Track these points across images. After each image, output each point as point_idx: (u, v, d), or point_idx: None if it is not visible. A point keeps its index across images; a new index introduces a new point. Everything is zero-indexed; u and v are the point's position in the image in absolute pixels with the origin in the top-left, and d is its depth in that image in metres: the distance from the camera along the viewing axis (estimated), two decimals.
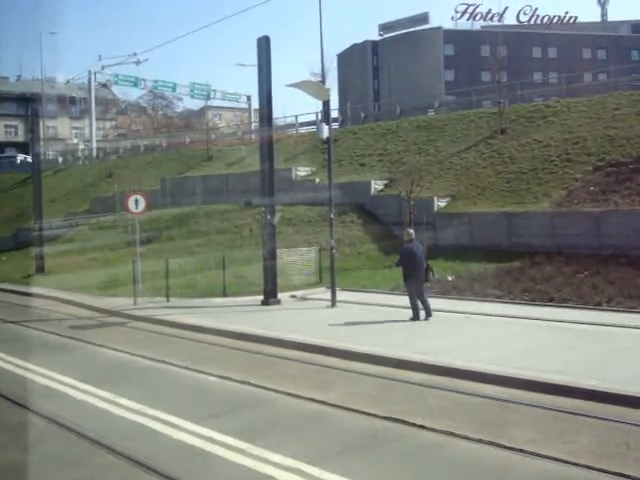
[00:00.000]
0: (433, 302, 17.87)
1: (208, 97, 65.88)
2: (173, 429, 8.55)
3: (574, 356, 11.68)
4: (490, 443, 7.71)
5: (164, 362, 12.63)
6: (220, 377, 11.29)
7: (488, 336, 14.01)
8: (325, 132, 19.41)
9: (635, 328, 14.06)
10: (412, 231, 17.06)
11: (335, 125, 44.00)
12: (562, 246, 24.19)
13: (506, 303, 18.61)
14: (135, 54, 53.71)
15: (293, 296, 21.27)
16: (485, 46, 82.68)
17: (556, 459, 7.14)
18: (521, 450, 7.42)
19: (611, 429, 8.25)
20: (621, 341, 12.99)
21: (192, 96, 66.72)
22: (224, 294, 21.52)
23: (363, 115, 47.81)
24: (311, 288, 22.78)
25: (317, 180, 33.80)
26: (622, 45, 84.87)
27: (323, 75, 40.16)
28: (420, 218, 27.29)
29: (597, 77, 67.21)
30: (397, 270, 17.54)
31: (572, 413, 8.87)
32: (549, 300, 18.84)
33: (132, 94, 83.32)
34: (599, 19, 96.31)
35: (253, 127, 61.30)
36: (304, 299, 20.88)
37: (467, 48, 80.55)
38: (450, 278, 22.57)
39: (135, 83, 63.65)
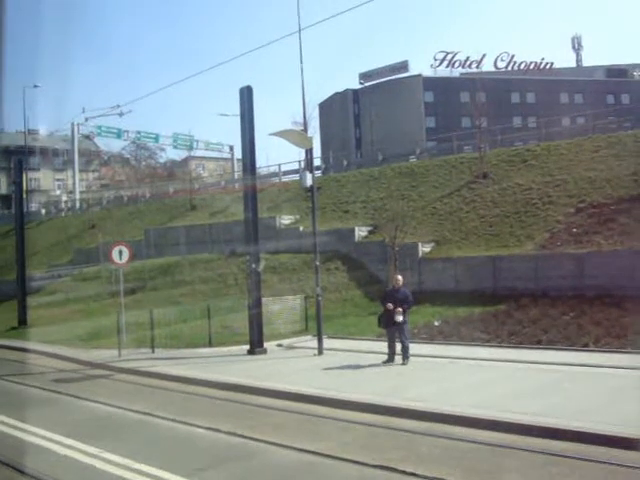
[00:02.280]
0: (420, 348, 18.00)
1: (191, 147, 66.27)
2: None
3: (561, 398, 11.65)
4: None
5: (150, 415, 12.43)
6: (207, 429, 11.10)
7: (475, 380, 13.94)
8: (308, 180, 19.53)
9: (622, 368, 14.06)
10: (400, 277, 17.09)
11: (318, 173, 44.33)
12: (547, 288, 24.26)
13: (493, 347, 18.66)
14: (118, 106, 53.98)
15: (280, 345, 21.14)
16: (464, 92, 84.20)
17: None
18: None
19: (600, 470, 8.21)
20: (609, 381, 12.96)
21: (175, 147, 67.23)
22: (210, 344, 21.31)
23: (346, 163, 48.08)
24: (298, 336, 22.65)
25: (301, 228, 33.84)
26: (598, 89, 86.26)
27: (305, 124, 40.45)
28: (405, 264, 27.37)
29: (575, 121, 68.25)
30: None
31: (560, 456, 8.80)
32: (536, 342, 18.92)
33: (115, 145, 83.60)
34: (574, 64, 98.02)
35: (236, 176, 61.65)
36: (291, 348, 20.76)
37: (447, 95, 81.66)
38: (437, 323, 22.56)
39: (118, 134, 63.99)
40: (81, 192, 74.38)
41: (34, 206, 74.46)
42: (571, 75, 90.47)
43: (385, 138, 73.26)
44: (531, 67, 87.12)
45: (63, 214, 61.94)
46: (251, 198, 20.14)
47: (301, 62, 40.49)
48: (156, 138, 63.29)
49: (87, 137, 75.59)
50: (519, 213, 29.18)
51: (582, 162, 31.24)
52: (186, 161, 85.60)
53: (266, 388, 14.14)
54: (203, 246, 36.29)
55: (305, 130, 40.70)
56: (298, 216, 35.92)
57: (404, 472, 8.37)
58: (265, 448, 9.92)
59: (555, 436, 9.56)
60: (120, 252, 22.43)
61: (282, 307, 24.65)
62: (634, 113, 57.42)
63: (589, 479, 7.99)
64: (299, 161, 45.53)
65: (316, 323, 19.26)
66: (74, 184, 66.38)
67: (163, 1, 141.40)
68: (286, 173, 47.90)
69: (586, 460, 8.57)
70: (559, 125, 59.12)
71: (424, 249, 29.02)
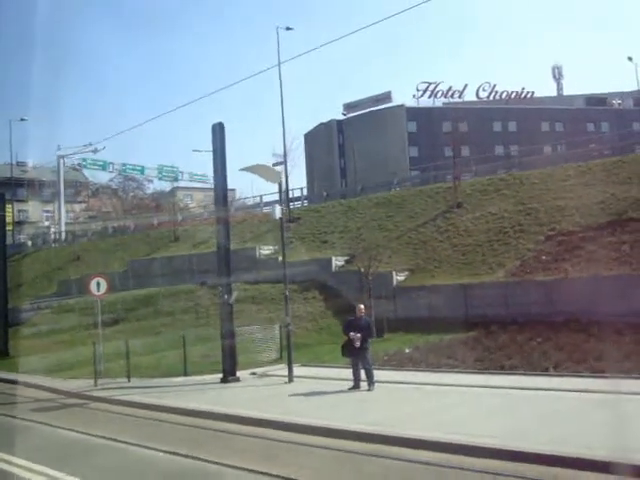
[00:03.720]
0: (388, 374, 18.59)
1: (176, 179, 67.01)
2: None
3: (509, 420, 12.22)
4: None
5: (115, 440, 12.94)
6: (166, 452, 11.62)
7: (434, 405, 14.49)
8: (277, 213, 20.15)
9: (574, 391, 14.60)
10: (362, 306, 17.71)
11: (298, 204, 45.03)
12: (516, 315, 24.92)
13: (458, 373, 19.12)
14: (91, 144, 54.77)
15: (253, 373, 21.60)
16: (447, 122, 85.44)
17: None
18: None
19: None
20: (555, 404, 13.53)
21: (160, 178, 67.98)
22: (185, 373, 21.77)
23: (325, 194, 48.81)
24: (272, 365, 23.11)
25: (280, 258, 34.38)
26: (578, 118, 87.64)
27: (285, 156, 41.26)
28: (380, 292, 28.04)
29: (556, 149, 69.54)
30: None
31: (493, 473, 9.37)
32: (500, 368, 19.44)
33: (103, 176, 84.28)
34: (555, 93, 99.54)
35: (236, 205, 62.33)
36: (264, 376, 21.20)
37: (429, 125, 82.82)
38: (407, 350, 23.16)
39: (103, 167, 64.74)
40: (68, 223, 74.95)
41: (23, 237, 74.85)
42: (552, 104, 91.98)
43: (369, 168, 74.18)
44: (512, 96, 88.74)
45: (52, 245, 62.28)
46: (223, 230, 20.81)
47: (281, 95, 41.60)
48: (141, 170, 64.04)
49: (75, 169, 76.22)
50: (491, 241, 29.91)
51: (553, 191, 32.07)
52: (173, 192, 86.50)
53: (231, 414, 14.65)
54: (184, 277, 36.86)
55: (285, 162, 41.61)
56: (277, 246, 36.47)
57: None
58: (220, 470, 10.44)
59: (494, 456, 10.12)
60: (98, 284, 22.99)
61: (258, 336, 25.16)
62: (611, 141, 58.78)
63: None
64: (279, 192, 46.17)
65: (287, 352, 19.74)
66: (59, 216, 66.86)
67: (156, 33, 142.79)
68: (267, 204, 48.63)
69: (521, 478, 9.16)
70: (540, 153, 60.16)
71: (399, 278, 29.67)
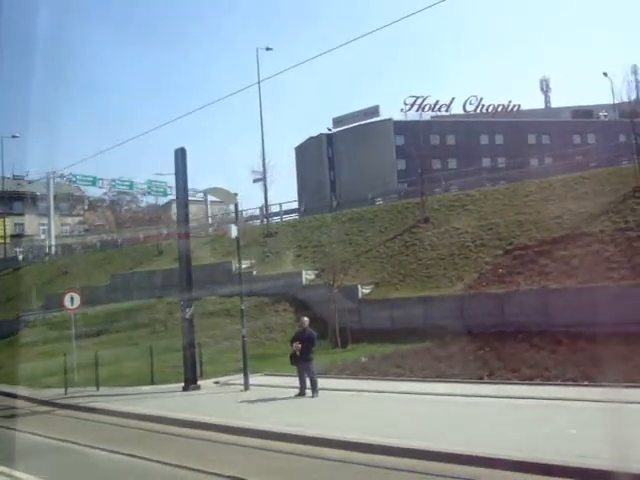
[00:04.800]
0: (337, 382, 20.05)
1: (165, 194, 68.35)
2: None
3: (427, 423, 13.58)
4: None
5: (68, 442, 14.36)
6: (110, 451, 13.07)
7: (365, 410, 15.91)
8: (233, 232, 21.55)
9: (495, 397, 15.93)
10: (306, 319, 19.19)
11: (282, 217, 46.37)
12: (471, 326, 26.23)
13: (402, 381, 20.43)
14: (54, 172, 56.47)
15: (217, 382, 23.03)
16: (434, 135, 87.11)
17: None
18: None
19: None
20: (473, 409, 14.90)
21: (149, 193, 69.45)
22: (152, 382, 23.19)
23: (303, 209, 50.10)
24: (236, 374, 24.39)
25: (254, 272, 35.85)
26: (564, 130, 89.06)
27: (264, 172, 42.74)
28: (346, 304, 29.46)
29: (544, 161, 70.94)
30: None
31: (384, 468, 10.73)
32: (442, 376, 20.78)
33: (97, 190, 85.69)
34: (543, 106, 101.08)
35: (210, 220, 63.89)
36: (225, 384, 22.60)
37: (417, 138, 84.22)
38: (364, 359, 24.54)
39: (93, 182, 66.18)
40: (64, 236, 76.54)
41: (19, 250, 76.18)
42: (539, 116, 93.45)
43: (358, 181, 75.54)
44: (499, 109, 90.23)
45: (46, 259, 63.63)
46: (184, 248, 22.24)
47: (260, 114, 43.12)
48: (130, 185, 65.54)
49: (71, 181, 77.46)
50: (453, 255, 31.29)
51: (514, 206, 33.45)
52: (169, 205, 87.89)
53: (179, 418, 16.10)
54: (164, 290, 38.16)
55: (264, 178, 43.09)
56: (253, 261, 37.90)
57: None
58: (158, 467, 11.82)
59: (398, 454, 11.33)
60: (72, 298, 24.49)
61: (227, 347, 26.59)
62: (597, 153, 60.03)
63: None
64: (260, 207, 47.83)
65: (243, 362, 21.13)
66: (49, 230, 68.22)
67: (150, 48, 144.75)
68: (248, 219, 50.09)
69: (415, 472, 10.43)
70: (527, 166, 61.63)
71: (364, 291, 31.06)
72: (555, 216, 31.07)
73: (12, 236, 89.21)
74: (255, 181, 47.15)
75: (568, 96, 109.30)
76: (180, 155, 22.04)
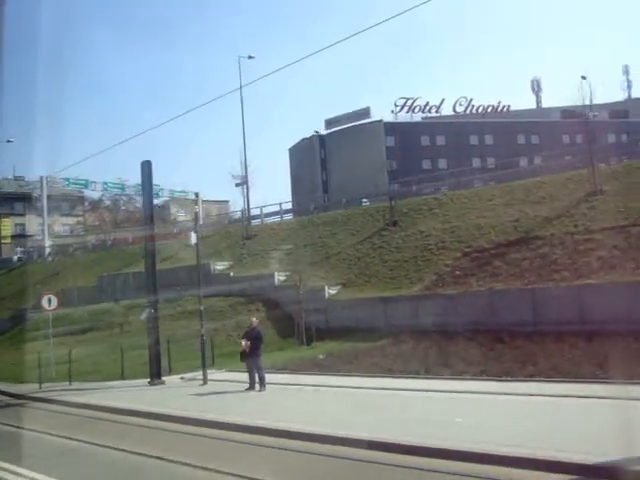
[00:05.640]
0: (289, 377, 21.84)
1: (157, 196, 70.00)
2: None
3: (345, 411, 15.24)
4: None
5: (27, 429, 16.18)
6: (58, 436, 14.95)
7: (299, 401, 17.69)
8: (193, 239, 23.29)
9: (420, 391, 17.50)
10: (255, 319, 21.04)
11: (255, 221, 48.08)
12: (426, 325, 27.92)
13: (349, 376, 22.01)
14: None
15: (182, 377, 24.74)
16: (424, 136, 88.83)
17: None
18: None
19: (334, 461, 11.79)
20: (394, 399, 16.67)
21: (141, 195, 70.87)
22: (122, 377, 25.00)
23: (282, 210, 51.61)
24: (199, 369, 26.20)
25: (231, 274, 37.65)
26: (554, 130, 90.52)
27: (247, 176, 44.46)
28: (313, 304, 31.23)
29: (533, 161, 72.58)
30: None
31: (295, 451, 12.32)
32: (388, 372, 22.44)
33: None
34: (534, 106, 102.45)
35: (202, 222, 65.48)
36: (190, 380, 24.33)
37: (408, 139, 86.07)
38: (321, 356, 26.27)
39: (85, 185, 68.03)
40: (63, 236, 78.56)
41: (19, 251, 78.11)
42: (529, 116, 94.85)
43: (350, 181, 77.28)
44: (489, 110, 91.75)
45: (38, 260, 65.51)
46: (150, 253, 24.01)
47: (242, 119, 44.71)
48: (122, 188, 67.31)
49: (64, 185, 79.15)
50: (416, 257, 33.03)
51: (477, 210, 35.18)
52: (167, 204, 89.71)
53: (127, 408, 17.95)
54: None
55: (246, 183, 44.87)
56: (232, 262, 39.69)
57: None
58: (96, 450, 13.61)
59: (321, 441, 12.70)
60: (49, 300, 26.34)
61: (193, 344, 28.32)
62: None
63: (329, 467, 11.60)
64: (242, 210, 49.57)
65: (201, 359, 22.90)
66: (43, 232, 70.14)
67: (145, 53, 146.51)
68: (231, 222, 51.87)
69: (323, 455, 11.93)
70: (516, 166, 63.21)
71: (331, 291, 32.83)
72: (513, 219, 32.81)
73: (13, 236, 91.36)
74: (237, 185, 48.95)
75: (560, 97, 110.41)
76: (146, 168, 23.81)
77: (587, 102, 36.45)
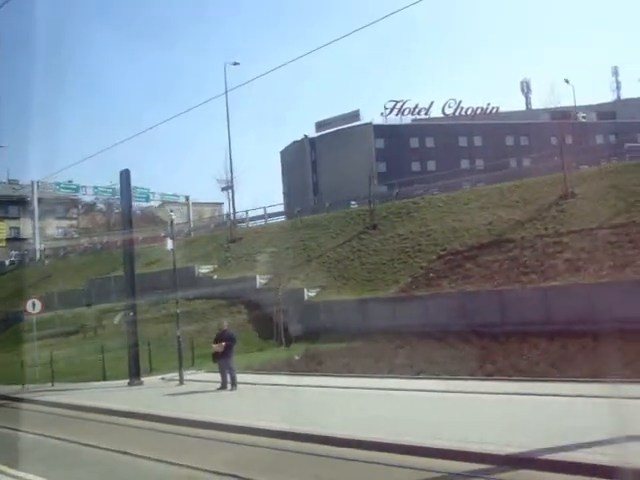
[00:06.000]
0: (262, 377, 22.78)
1: (147, 199, 71.01)
2: None
3: (317, 409, 16.02)
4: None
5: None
6: (33, 433, 15.81)
7: (266, 400, 18.59)
8: (169, 245, 24.22)
9: (379, 389, 18.45)
10: (225, 323, 22.02)
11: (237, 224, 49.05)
12: (400, 326, 28.76)
13: (319, 376, 22.87)
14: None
15: (163, 378, 25.66)
16: (414, 138, 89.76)
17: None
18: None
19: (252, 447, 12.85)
20: (345, 397, 17.66)
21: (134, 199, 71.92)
22: (104, 378, 25.93)
23: (267, 213, 52.40)
24: (185, 370, 27.10)
25: (215, 276, 38.58)
26: (543, 132, 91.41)
27: (232, 181, 45.40)
28: (293, 306, 32.18)
29: (522, 163, 73.60)
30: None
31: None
32: (360, 372, 23.28)
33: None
34: (524, 107, 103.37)
35: (192, 225, 66.56)
36: (170, 380, 25.23)
37: (397, 141, 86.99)
38: (296, 357, 27.19)
39: (76, 190, 68.95)
40: (57, 239, 79.51)
41: (14, 254, 78.91)
42: (518, 118, 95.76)
43: (339, 184, 78.12)
44: (478, 112, 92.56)
45: (29, 263, 66.41)
46: (129, 259, 24.96)
47: (228, 124, 45.61)
48: (112, 192, 68.08)
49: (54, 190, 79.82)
50: (393, 260, 33.97)
51: (453, 213, 36.12)
52: (163, 207, 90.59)
53: (101, 407, 18.94)
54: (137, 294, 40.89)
55: (231, 187, 45.81)
56: (216, 265, 40.63)
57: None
58: (73, 446, 14.51)
59: (282, 436, 13.38)
60: (33, 304, 27.31)
61: (182, 346, 29.23)
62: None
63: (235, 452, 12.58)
64: (227, 214, 50.54)
65: (178, 360, 23.82)
66: (34, 235, 70.94)
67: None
68: (222, 225, 52.81)
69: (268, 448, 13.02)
70: (506, 167, 64.07)
71: (310, 294, 33.76)
72: (487, 223, 33.74)
73: (7, 240, 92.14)
74: (223, 189, 49.91)
75: (550, 98, 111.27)
76: (124, 176, 24.77)
77: (560, 104, 37.37)
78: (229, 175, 47.72)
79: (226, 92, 45.71)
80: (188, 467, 11.40)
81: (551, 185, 35.02)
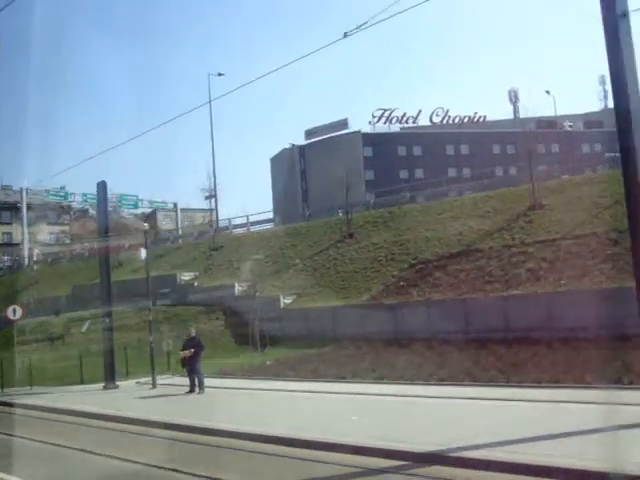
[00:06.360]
0: (235, 382, 23.92)
1: (136, 206, 72.02)
2: None
3: (285, 413, 16.96)
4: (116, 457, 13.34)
5: None
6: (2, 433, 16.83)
7: (224, 402, 19.68)
8: (143, 254, 25.25)
9: (332, 393, 19.50)
10: (193, 329, 23.04)
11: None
12: (370, 333, 29.93)
13: (286, 381, 23.81)
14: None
15: (138, 382, 26.65)
16: (402, 146, 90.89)
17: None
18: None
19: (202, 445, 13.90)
20: (292, 401, 18.75)
21: (120, 206, 73.17)
22: (82, 382, 26.94)
23: (250, 222, 53.40)
24: (160, 374, 28.09)
25: (196, 284, 39.61)
26: (529, 140, 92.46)
27: (215, 189, 46.43)
28: (270, 313, 33.21)
29: (508, 171, 74.74)
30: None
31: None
32: (318, 376, 24.28)
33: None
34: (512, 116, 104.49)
35: (181, 232, 67.59)
36: (144, 384, 26.18)
37: (385, 149, 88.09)
38: (268, 363, 28.24)
39: (65, 197, 69.98)
40: (50, 244, 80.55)
41: (5, 259, 79.79)
42: (505, 127, 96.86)
43: (328, 191, 79.12)
44: (465, 121, 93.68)
45: (27, 268, 67.30)
46: (105, 267, 25.95)
47: (211, 133, 46.63)
48: None
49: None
50: (366, 269, 35.05)
51: (427, 223, 37.24)
52: (154, 214, 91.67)
53: (72, 409, 19.97)
54: (118, 301, 41.82)
55: (215, 195, 46.84)
56: (197, 273, 41.66)
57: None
58: (37, 445, 15.52)
59: (228, 435, 14.45)
60: (14, 310, 28.31)
61: (162, 350, 30.23)
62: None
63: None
64: (209, 222, 51.54)
65: (150, 365, 24.83)
66: (23, 242, 71.84)
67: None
68: (204, 233, 53.87)
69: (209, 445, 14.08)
70: (492, 176, 65.33)
71: (286, 301, 34.84)
72: (457, 233, 34.85)
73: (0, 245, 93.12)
74: (207, 198, 50.98)
75: (537, 107, 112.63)
76: (101, 188, 25.84)
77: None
78: (212, 184, 48.73)
79: (210, 101, 46.60)
80: (134, 462, 12.48)
81: (522, 196, 36.11)
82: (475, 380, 19.99)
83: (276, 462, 12.13)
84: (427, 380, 20.94)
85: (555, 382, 17.90)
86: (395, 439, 12.23)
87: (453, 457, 11.09)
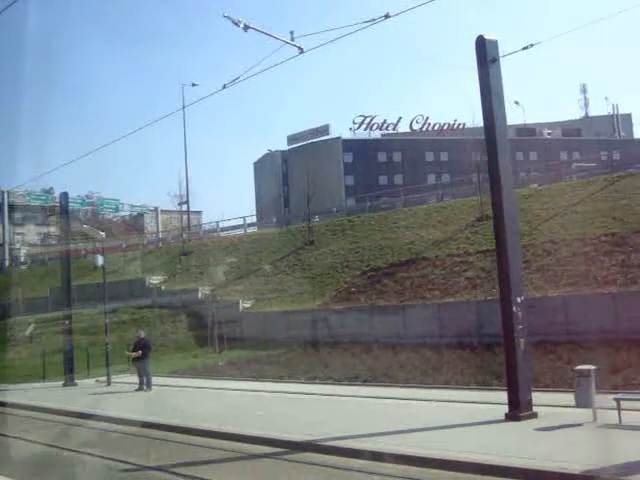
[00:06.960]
0: (184, 380, 25.93)
1: (117, 210, 73.72)
2: None
3: (216, 407, 19.00)
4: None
5: None
6: None
7: (171, 399, 21.59)
8: (100, 261, 27.20)
9: (271, 392, 21.46)
10: (142, 332, 25.05)
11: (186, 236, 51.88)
12: (318, 336, 31.86)
13: (231, 380, 25.71)
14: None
15: (97, 380, 28.52)
16: (382, 153, 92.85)
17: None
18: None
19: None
20: (229, 398, 20.69)
21: (101, 210, 74.99)
22: (43, 378, 28.89)
23: (220, 228, 55.39)
24: (119, 373, 29.96)
25: (163, 287, 41.58)
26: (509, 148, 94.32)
27: (188, 196, 48.35)
28: (230, 316, 35.16)
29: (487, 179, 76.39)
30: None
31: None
32: (261, 376, 26.19)
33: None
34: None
35: (161, 235, 69.45)
36: (102, 382, 28.00)
37: (365, 155, 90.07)
38: (221, 363, 30.20)
39: (46, 200, 71.72)
40: (35, 245, 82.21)
41: None
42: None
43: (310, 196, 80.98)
44: (445, 128, 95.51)
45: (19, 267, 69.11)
46: (65, 271, 27.88)
47: (184, 141, 48.68)
48: (82, 202, 70.73)
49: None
50: (322, 275, 37.02)
51: (382, 231, 39.23)
52: (141, 216, 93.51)
53: (27, 404, 21.91)
54: (92, 303, 43.64)
55: (187, 202, 48.79)
56: (166, 276, 43.62)
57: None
58: None
59: (149, 426, 16.71)
60: None
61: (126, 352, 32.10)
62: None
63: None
64: (181, 226, 53.49)
65: (105, 364, 26.78)
66: (4, 244, 73.24)
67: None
68: (174, 238, 55.79)
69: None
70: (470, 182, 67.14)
71: (245, 305, 36.80)
72: (409, 242, 36.82)
73: None
74: (180, 204, 52.87)
75: (519, 115, 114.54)
76: (64, 199, 27.79)
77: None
78: (184, 189, 50.57)
79: (183, 108, 48.36)
80: (55, 447, 14.52)
81: (472, 207, 38.04)
82: (392, 381, 22.07)
83: (168, 447, 14.14)
84: (350, 380, 23.05)
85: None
86: (282, 429, 14.25)
87: (324, 445, 13.08)
